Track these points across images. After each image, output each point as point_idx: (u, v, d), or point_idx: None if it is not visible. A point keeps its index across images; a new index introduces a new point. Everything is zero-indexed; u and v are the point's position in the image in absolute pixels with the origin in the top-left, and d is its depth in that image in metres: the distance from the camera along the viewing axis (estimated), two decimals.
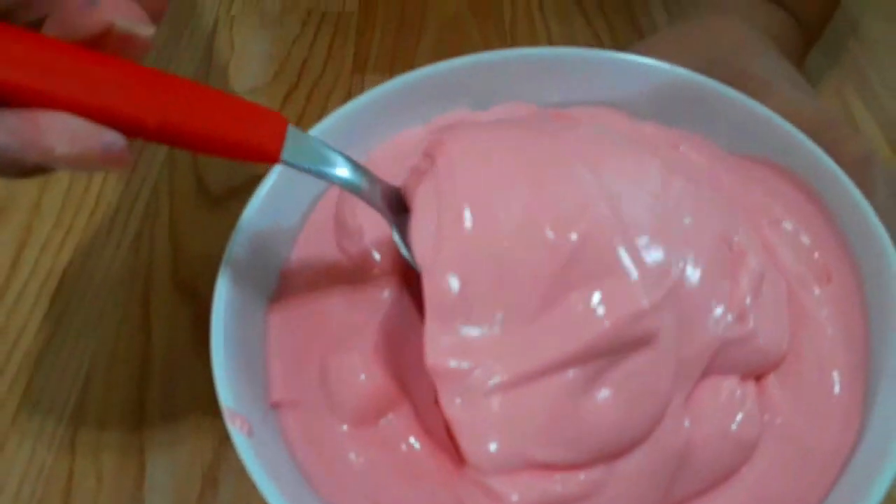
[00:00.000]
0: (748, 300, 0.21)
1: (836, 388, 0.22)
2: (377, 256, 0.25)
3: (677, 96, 0.28)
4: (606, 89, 0.29)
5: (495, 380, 0.19)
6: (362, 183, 0.23)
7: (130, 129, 0.19)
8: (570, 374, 0.19)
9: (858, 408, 0.22)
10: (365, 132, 0.29)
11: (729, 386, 0.21)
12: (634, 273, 0.20)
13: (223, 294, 0.23)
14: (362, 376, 0.22)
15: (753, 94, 0.28)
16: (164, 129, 0.20)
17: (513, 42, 0.49)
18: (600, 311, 0.19)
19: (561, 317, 0.20)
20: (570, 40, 0.49)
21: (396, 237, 0.23)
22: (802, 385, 0.22)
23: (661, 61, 0.29)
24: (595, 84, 0.29)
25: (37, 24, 0.20)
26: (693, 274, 0.21)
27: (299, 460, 0.21)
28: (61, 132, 0.18)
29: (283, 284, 0.25)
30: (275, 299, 0.25)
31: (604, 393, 0.19)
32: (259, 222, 0.26)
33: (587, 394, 0.19)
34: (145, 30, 0.20)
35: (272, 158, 0.21)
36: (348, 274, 0.25)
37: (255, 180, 0.39)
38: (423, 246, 0.21)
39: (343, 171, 0.22)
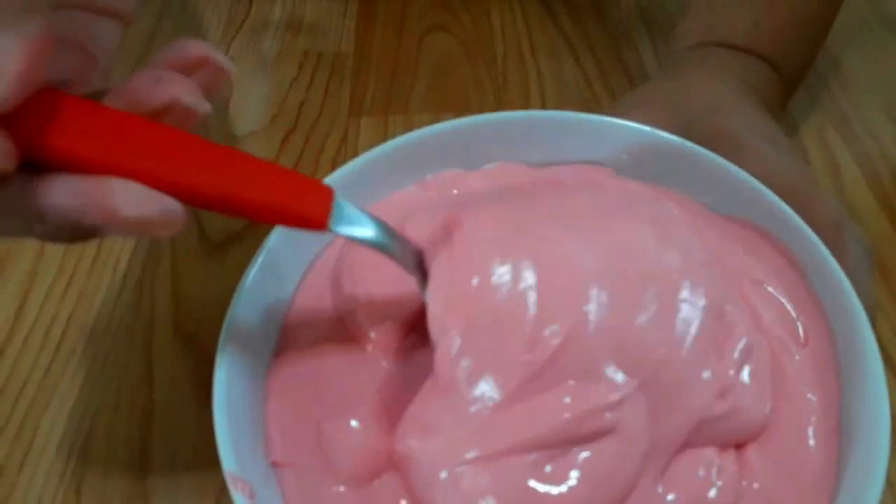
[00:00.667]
0: (732, 375, 0.22)
1: (812, 453, 0.23)
2: (372, 334, 0.26)
3: (658, 157, 0.29)
4: (591, 150, 0.30)
5: (464, 459, 0.21)
6: (398, 249, 0.24)
7: (188, 197, 0.21)
8: (533, 456, 0.21)
9: (832, 472, 0.22)
10: (361, 192, 0.30)
11: (707, 457, 0.22)
12: (607, 370, 0.21)
13: (225, 358, 0.24)
14: (359, 440, 0.23)
15: (731, 153, 0.29)
16: (222, 198, 0.21)
17: (504, 82, 0.50)
18: (565, 402, 0.21)
19: (529, 408, 0.21)
20: (560, 80, 0.50)
21: (425, 297, 0.24)
22: (780, 450, 0.23)
23: (644, 121, 0.30)
24: (580, 145, 0.30)
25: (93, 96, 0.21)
26: (678, 354, 0.22)
27: None
28: (126, 196, 0.19)
29: (283, 344, 0.26)
30: (275, 359, 0.26)
31: (565, 473, 0.21)
32: (260, 282, 0.27)
33: (549, 474, 0.21)
34: (204, 106, 0.21)
35: (320, 227, 0.22)
36: (346, 338, 0.26)
37: (254, 226, 0.41)
38: (437, 317, 0.23)
39: (383, 237, 0.23)
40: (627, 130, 0.30)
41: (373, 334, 0.25)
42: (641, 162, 0.30)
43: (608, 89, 0.49)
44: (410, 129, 0.48)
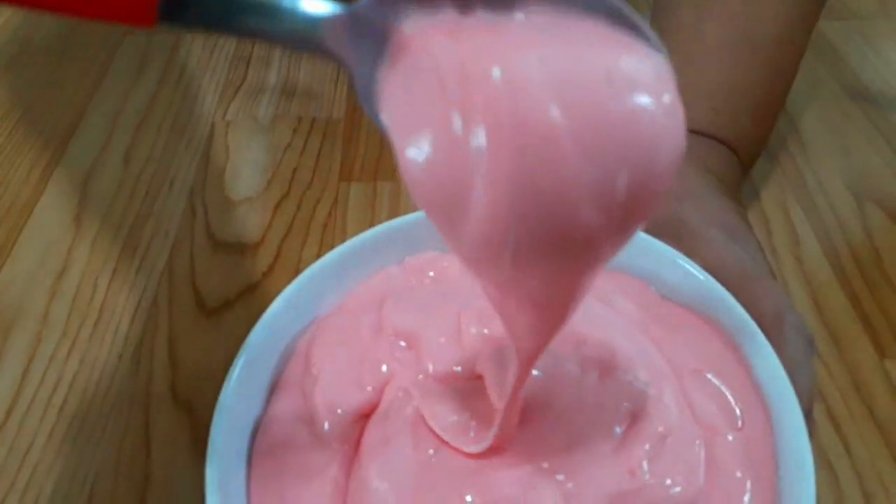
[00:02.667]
0: (645, 464, 0.25)
1: None
2: (326, 425, 0.27)
3: None
4: None
5: None
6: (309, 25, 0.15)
7: None
8: None
9: None
10: (343, 276, 0.32)
11: None
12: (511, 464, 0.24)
13: (215, 450, 0.26)
14: None
15: (686, 242, 0.32)
16: None
17: None
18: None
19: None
20: None
21: (360, 89, 0.17)
22: None
23: None
24: None
25: None
26: (584, 440, 0.25)
27: None
28: None
29: (264, 430, 0.28)
30: (256, 445, 0.28)
31: None
32: (248, 369, 0.28)
33: None
34: None
35: (144, 20, 0.14)
36: (309, 424, 0.27)
37: (249, 292, 0.43)
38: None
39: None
40: None
41: (327, 425, 0.26)
42: None
43: None
44: (398, 195, 0.51)
